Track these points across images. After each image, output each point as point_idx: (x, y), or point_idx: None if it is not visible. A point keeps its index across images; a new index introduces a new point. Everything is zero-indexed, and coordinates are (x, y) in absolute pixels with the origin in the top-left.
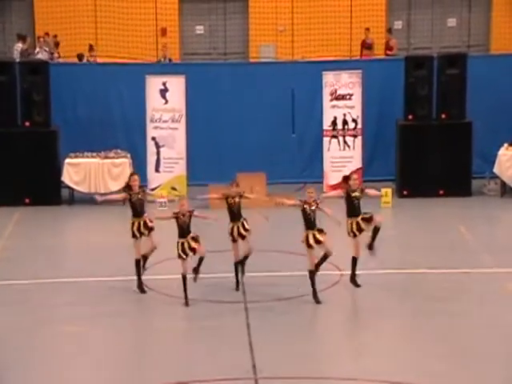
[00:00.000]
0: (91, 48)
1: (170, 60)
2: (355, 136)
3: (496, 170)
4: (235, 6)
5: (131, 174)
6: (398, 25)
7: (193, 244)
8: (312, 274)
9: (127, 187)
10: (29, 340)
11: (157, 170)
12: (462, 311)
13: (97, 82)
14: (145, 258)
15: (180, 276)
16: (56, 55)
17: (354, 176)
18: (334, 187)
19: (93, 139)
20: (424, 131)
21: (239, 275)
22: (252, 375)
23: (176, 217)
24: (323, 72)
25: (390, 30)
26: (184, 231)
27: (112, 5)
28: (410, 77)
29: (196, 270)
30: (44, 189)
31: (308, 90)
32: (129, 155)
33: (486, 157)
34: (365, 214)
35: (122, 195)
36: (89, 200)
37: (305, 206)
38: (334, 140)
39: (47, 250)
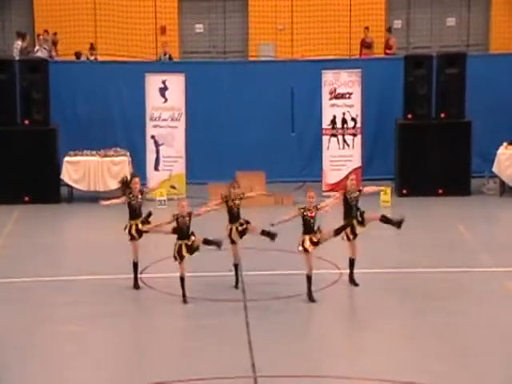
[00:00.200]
0: (92, 47)
1: (169, 57)
2: (354, 135)
3: (495, 169)
4: (235, 5)
5: (132, 177)
6: (398, 24)
7: (189, 242)
8: (310, 279)
9: (126, 185)
10: (28, 339)
11: (156, 169)
12: (461, 310)
13: (96, 80)
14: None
15: (178, 275)
16: (54, 53)
17: (352, 177)
18: (333, 186)
19: (92, 137)
20: (423, 130)
21: (239, 273)
22: (251, 374)
23: (176, 219)
24: (322, 71)
25: (389, 29)
26: (184, 233)
27: (111, 3)
28: (409, 76)
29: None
30: (43, 187)
31: (307, 88)
32: (128, 153)
33: (485, 156)
34: (361, 213)
35: (123, 199)
36: (88, 198)
37: (305, 214)
38: (334, 139)
39: (46, 248)
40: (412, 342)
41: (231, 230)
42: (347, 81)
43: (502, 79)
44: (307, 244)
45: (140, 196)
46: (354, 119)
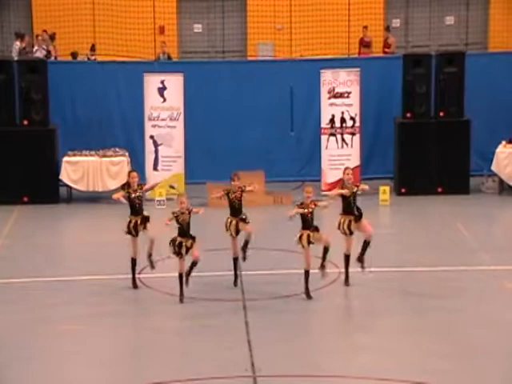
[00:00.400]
0: (93, 47)
1: (168, 57)
2: (353, 134)
3: (494, 167)
4: (233, 5)
5: (130, 172)
6: (396, 23)
7: (189, 245)
8: (307, 273)
9: (126, 184)
10: (27, 339)
11: (155, 169)
12: (461, 309)
13: (95, 80)
14: (149, 255)
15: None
16: (53, 53)
17: (348, 171)
18: (332, 185)
19: (91, 138)
20: (422, 129)
21: (238, 271)
22: (250, 373)
23: (176, 216)
24: (321, 70)
25: (387, 28)
26: (184, 230)
27: (110, 3)
28: (408, 75)
29: (188, 273)
30: (42, 187)
31: (306, 88)
32: (127, 153)
33: (484, 154)
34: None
35: (120, 193)
36: (87, 198)
37: (303, 210)
38: (332, 138)
39: (45, 249)
40: (412, 341)
41: (231, 222)
42: (346, 80)
43: (500, 78)
44: (305, 241)
45: (139, 190)
46: (352, 118)
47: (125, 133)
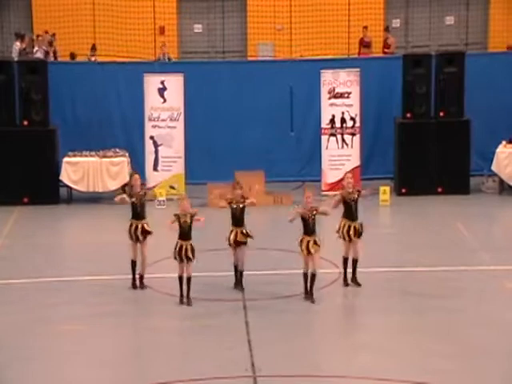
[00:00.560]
0: (93, 47)
1: (169, 58)
2: (353, 134)
3: (494, 167)
4: (233, 5)
5: (132, 174)
6: (396, 23)
7: (189, 249)
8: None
9: (127, 185)
10: (28, 339)
11: (155, 169)
12: (461, 309)
13: (95, 81)
14: (141, 277)
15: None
16: (51, 54)
17: (348, 175)
18: (332, 186)
19: (91, 138)
20: (422, 129)
21: (238, 275)
22: (251, 373)
23: (178, 219)
24: (321, 70)
25: (387, 29)
26: (185, 233)
27: (110, 3)
28: (408, 75)
29: (187, 295)
30: (42, 188)
31: (306, 88)
32: (127, 154)
33: (484, 154)
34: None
35: (122, 197)
36: (87, 199)
37: (303, 215)
38: (333, 138)
39: (46, 249)
40: (412, 341)
41: (231, 232)
42: (346, 80)
43: (500, 78)
44: (304, 246)
45: (142, 192)
46: (352, 118)
47: (125, 133)
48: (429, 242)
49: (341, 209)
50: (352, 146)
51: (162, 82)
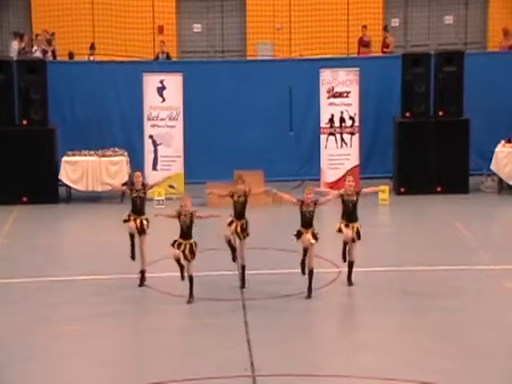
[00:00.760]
0: (92, 47)
1: (167, 56)
2: (352, 133)
3: (493, 167)
4: (232, 4)
5: (133, 172)
6: (395, 22)
7: (187, 248)
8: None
9: (126, 184)
10: (27, 339)
11: (154, 169)
12: (460, 308)
13: (94, 80)
14: (142, 273)
15: (178, 274)
16: (49, 54)
17: (349, 178)
18: (332, 185)
19: (90, 137)
20: (421, 128)
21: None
22: (250, 373)
23: (178, 216)
24: (320, 70)
25: (386, 28)
26: (184, 232)
27: (109, 3)
28: (407, 74)
29: (190, 294)
30: (41, 187)
31: (305, 87)
32: (126, 153)
33: (483, 154)
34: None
35: (123, 188)
36: (86, 198)
37: (302, 207)
38: (332, 137)
39: (45, 249)
40: (411, 340)
41: (230, 223)
42: (345, 79)
43: (499, 77)
44: (310, 237)
45: (143, 190)
46: (352, 118)
47: (124, 132)
48: (428, 241)
49: (340, 209)
50: (351, 146)
51: (161, 82)
